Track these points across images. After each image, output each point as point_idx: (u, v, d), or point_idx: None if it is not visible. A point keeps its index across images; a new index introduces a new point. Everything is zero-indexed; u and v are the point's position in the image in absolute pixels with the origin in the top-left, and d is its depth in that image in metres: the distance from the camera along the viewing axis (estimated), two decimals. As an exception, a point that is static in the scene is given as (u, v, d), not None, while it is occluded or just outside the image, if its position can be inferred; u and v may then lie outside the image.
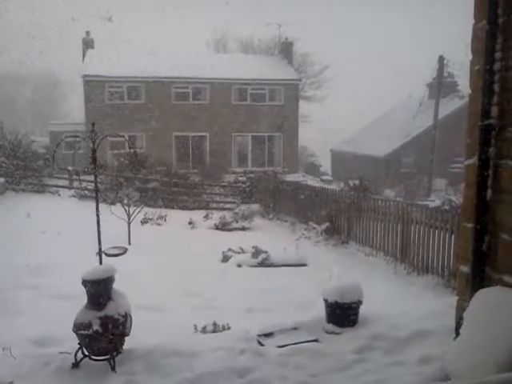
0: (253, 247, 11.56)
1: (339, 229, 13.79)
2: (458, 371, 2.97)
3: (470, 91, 3.74)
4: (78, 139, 24.62)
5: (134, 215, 13.41)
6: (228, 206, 20.06)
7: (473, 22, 3.68)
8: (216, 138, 29.42)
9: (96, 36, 30.58)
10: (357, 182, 16.93)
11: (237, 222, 16.14)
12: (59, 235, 11.77)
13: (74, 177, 20.89)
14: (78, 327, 4.58)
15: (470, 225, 3.59)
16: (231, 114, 29.37)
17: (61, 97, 52.53)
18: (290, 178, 23.17)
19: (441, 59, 26.03)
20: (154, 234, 14.12)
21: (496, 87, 3.37)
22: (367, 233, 12.49)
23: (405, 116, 29.79)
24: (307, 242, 13.77)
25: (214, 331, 6.14)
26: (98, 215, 5.16)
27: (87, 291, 4.69)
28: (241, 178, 22.44)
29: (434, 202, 19.65)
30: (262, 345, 5.06)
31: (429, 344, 4.63)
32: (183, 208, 19.34)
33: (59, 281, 8.26)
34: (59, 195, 20.14)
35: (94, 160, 5.23)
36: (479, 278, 3.47)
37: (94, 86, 27.79)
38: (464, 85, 25.24)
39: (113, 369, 4.52)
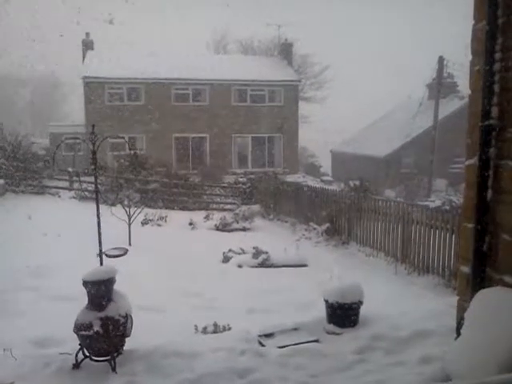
0: (253, 248, 11.56)
1: (340, 229, 13.79)
2: (458, 371, 2.98)
3: (469, 92, 3.75)
4: (78, 141, 24.68)
5: (134, 216, 13.41)
6: (228, 206, 20.06)
7: (472, 22, 3.69)
8: (216, 139, 29.43)
9: (96, 38, 30.66)
10: (357, 183, 16.94)
11: (237, 222, 16.14)
12: (59, 236, 11.78)
13: (74, 178, 20.90)
14: (78, 328, 4.59)
15: (470, 225, 3.59)
16: (231, 115, 29.39)
17: (61, 98, 52.59)
18: (290, 178, 23.17)
19: (440, 60, 26.03)
20: (155, 234, 14.13)
21: (496, 88, 3.37)
22: (368, 233, 12.49)
23: (405, 116, 29.78)
24: (308, 242, 13.77)
25: (214, 332, 6.14)
26: (98, 216, 5.17)
27: (88, 292, 4.70)
28: (241, 179, 22.44)
29: (435, 202, 19.63)
30: (262, 345, 5.06)
31: (429, 344, 4.63)
32: (183, 209, 19.35)
33: (60, 282, 8.27)
34: (59, 197, 20.15)
35: (95, 161, 5.23)
36: (480, 279, 3.47)
37: (93, 87, 27.80)
38: (464, 85, 25.26)
39: (113, 369, 4.52)
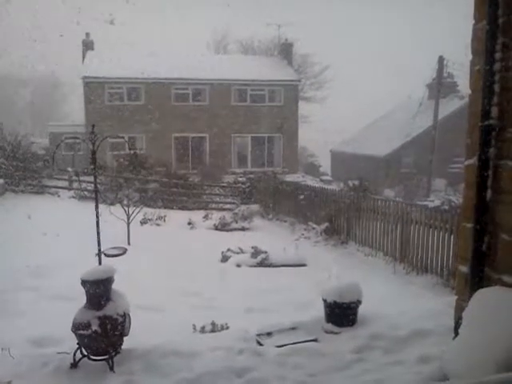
0: (252, 247, 11.56)
1: (339, 229, 13.79)
2: (456, 371, 2.97)
3: (469, 92, 3.74)
4: (77, 140, 24.65)
5: (133, 216, 13.42)
6: (227, 206, 20.05)
7: (473, 22, 3.68)
8: (216, 138, 29.43)
9: (97, 38, 30.65)
10: (356, 182, 16.93)
11: (236, 222, 16.14)
12: (59, 236, 11.76)
13: (74, 178, 20.88)
14: (76, 327, 4.58)
15: (469, 225, 3.59)
16: (231, 115, 29.38)
17: (61, 98, 52.59)
18: (289, 178, 23.18)
19: (440, 60, 26.04)
20: (154, 234, 14.12)
21: (496, 88, 3.36)
22: (367, 233, 12.49)
23: (405, 116, 29.79)
24: (307, 242, 13.77)
25: (212, 331, 6.14)
26: (97, 216, 5.16)
27: (86, 291, 4.69)
28: (240, 179, 22.43)
29: (434, 202, 19.66)
30: (260, 344, 5.06)
31: (428, 343, 4.63)
32: (183, 208, 19.34)
33: (59, 282, 8.27)
34: (59, 196, 20.15)
35: (94, 161, 5.22)
36: (478, 278, 3.47)
37: (93, 87, 27.79)
38: (464, 85, 25.24)
39: (111, 369, 4.51)
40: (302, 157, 35.12)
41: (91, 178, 6.02)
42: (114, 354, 4.62)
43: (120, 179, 17.49)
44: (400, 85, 38.24)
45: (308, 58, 40.70)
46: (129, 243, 12.13)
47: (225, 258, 11.42)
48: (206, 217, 16.71)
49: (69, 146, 25.85)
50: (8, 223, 12.73)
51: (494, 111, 3.37)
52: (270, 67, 31.36)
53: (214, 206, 20.48)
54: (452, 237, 9.28)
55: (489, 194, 3.43)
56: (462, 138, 3.95)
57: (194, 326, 6.28)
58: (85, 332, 4.52)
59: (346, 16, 57.53)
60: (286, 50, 33.18)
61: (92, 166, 5.32)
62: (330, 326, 5.39)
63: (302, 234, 14.58)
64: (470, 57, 3.71)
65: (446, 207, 16.19)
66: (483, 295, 3.23)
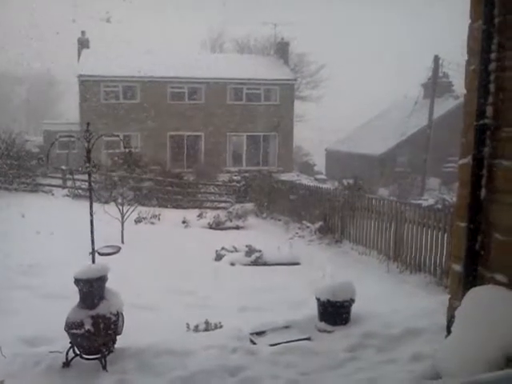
0: (246, 246, 11.55)
1: (333, 228, 13.80)
2: (449, 369, 2.97)
3: (465, 91, 3.74)
4: (72, 139, 24.52)
5: (127, 214, 13.38)
6: (222, 205, 20.04)
7: (469, 21, 3.68)
8: (211, 137, 29.40)
9: (93, 36, 30.57)
10: (351, 181, 16.96)
11: (231, 221, 16.13)
12: (52, 235, 11.72)
13: (68, 176, 20.81)
14: (69, 326, 4.56)
15: (463, 224, 3.59)
16: (226, 114, 29.36)
17: (56, 96, 52.42)
18: (284, 177, 23.18)
19: (436, 59, 26.13)
20: (148, 232, 14.09)
21: (491, 87, 3.36)
22: (361, 232, 12.51)
23: (400, 115, 29.85)
24: (301, 240, 13.77)
25: (206, 330, 6.12)
26: (91, 214, 5.13)
27: (79, 290, 4.67)
28: (235, 178, 22.45)
29: (428, 200, 19.69)
30: (254, 343, 5.05)
31: (420, 342, 4.63)
32: (177, 207, 19.32)
33: (52, 280, 8.23)
34: (53, 195, 20.08)
35: (89, 160, 5.20)
36: (471, 277, 3.47)
37: (89, 85, 27.70)
38: (459, 85, 25.23)
39: (104, 368, 4.49)
40: (297, 156, 35.14)
41: (85, 177, 5.99)
42: (106, 352, 4.60)
43: (114, 177, 17.45)
44: (399, 85, 38.23)
45: (304, 57, 40.74)
46: (123, 242, 12.10)
47: (219, 257, 11.40)
48: (200, 215, 16.69)
49: (63, 145, 25.74)
50: (1, 221, 12.65)
51: (489, 111, 3.37)
52: (265, 66, 31.36)
53: (208, 204, 20.47)
54: (445, 236, 9.30)
55: (483, 193, 3.43)
56: (457, 138, 3.95)
57: (187, 324, 6.26)
58: (78, 331, 4.50)
59: (345, 16, 57.57)
60: (282, 49, 33.16)
61: (87, 165, 5.29)
62: (323, 325, 5.38)
63: (296, 233, 14.59)
64: (466, 57, 3.71)
65: (440, 206, 16.22)
66: (476, 294, 3.23)
